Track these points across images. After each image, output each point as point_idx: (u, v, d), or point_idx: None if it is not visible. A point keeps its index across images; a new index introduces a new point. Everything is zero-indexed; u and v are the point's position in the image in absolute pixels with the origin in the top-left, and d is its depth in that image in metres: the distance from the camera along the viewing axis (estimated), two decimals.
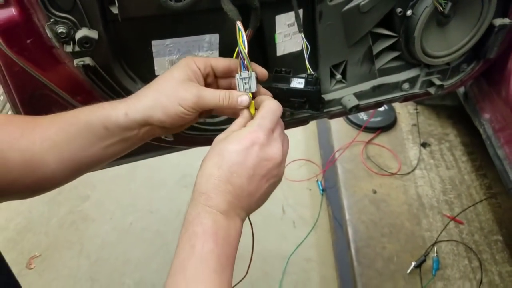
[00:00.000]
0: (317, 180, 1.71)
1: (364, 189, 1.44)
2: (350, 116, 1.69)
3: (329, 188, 1.63)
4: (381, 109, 1.71)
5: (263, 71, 0.55)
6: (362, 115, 1.69)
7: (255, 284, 1.39)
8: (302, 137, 1.95)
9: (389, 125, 1.67)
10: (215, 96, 0.50)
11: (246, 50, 0.51)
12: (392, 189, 1.44)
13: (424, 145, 1.59)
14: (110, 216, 1.65)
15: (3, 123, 0.47)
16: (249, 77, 0.52)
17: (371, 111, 1.69)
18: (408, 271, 1.22)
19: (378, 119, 1.67)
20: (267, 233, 1.54)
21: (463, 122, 1.59)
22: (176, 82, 0.49)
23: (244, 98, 0.51)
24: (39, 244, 1.55)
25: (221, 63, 0.53)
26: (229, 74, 0.54)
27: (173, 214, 1.64)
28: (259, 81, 0.54)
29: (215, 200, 0.43)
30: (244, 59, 0.52)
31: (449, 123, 1.67)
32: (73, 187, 1.76)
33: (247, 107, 0.52)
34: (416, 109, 1.71)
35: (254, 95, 0.53)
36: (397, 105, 1.75)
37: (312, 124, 2.00)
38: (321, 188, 1.67)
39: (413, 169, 1.50)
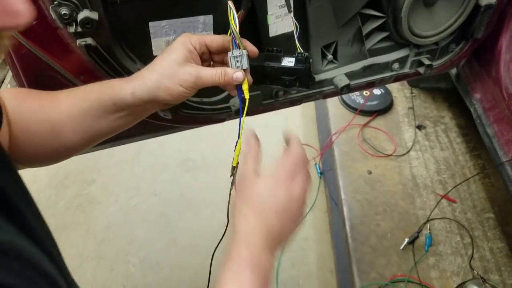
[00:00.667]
0: (315, 164, 1.74)
1: (360, 170, 1.47)
2: (347, 100, 1.71)
3: (327, 171, 1.66)
4: (378, 93, 1.73)
5: (253, 49, 0.58)
6: (359, 99, 1.71)
7: None
8: (301, 122, 1.99)
9: (385, 108, 1.69)
10: (212, 75, 0.54)
11: (237, 29, 0.55)
12: (387, 170, 1.48)
13: (419, 127, 1.62)
14: (115, 198, 1.70)
15: (24, 98, 0.54)
16: (240, 55, 0.56)
17: (366, 94, 1.71)
18: (401, 247, 1.25)
19: (375, 102, 1.70)
20: None
21: (458, 105, 1.61)
22: (175, 64, 0.53)
23: (239, 75, 0.56)
24: None
25: (216, 42, 0.57)
26: (223, 51, 0.58)
27: (175, 196, 1.69)
28: (250, 57, 0.58)
29: (254, 239, 0.48)
30: (235, 38, 0.55)
31: (444, 106, 1.69)
32: (79, 172, 1.81)
33: (241, 83, 0.56)
34: (412, 92, 1.73)
35: (246, 72, 0.57)
36: (393, 89, 1.77)
37: (311, 109, 2.03)
38: (319, 171, 1.71)
39: (408, 150, 1.53)
